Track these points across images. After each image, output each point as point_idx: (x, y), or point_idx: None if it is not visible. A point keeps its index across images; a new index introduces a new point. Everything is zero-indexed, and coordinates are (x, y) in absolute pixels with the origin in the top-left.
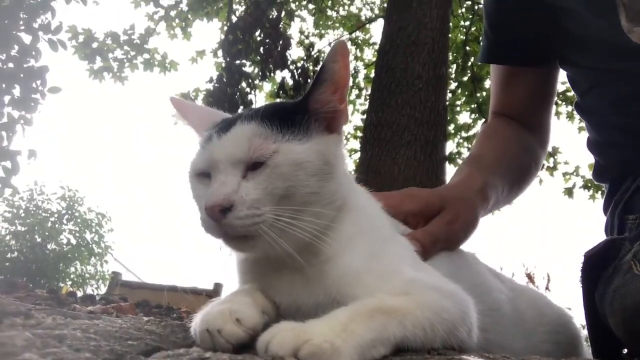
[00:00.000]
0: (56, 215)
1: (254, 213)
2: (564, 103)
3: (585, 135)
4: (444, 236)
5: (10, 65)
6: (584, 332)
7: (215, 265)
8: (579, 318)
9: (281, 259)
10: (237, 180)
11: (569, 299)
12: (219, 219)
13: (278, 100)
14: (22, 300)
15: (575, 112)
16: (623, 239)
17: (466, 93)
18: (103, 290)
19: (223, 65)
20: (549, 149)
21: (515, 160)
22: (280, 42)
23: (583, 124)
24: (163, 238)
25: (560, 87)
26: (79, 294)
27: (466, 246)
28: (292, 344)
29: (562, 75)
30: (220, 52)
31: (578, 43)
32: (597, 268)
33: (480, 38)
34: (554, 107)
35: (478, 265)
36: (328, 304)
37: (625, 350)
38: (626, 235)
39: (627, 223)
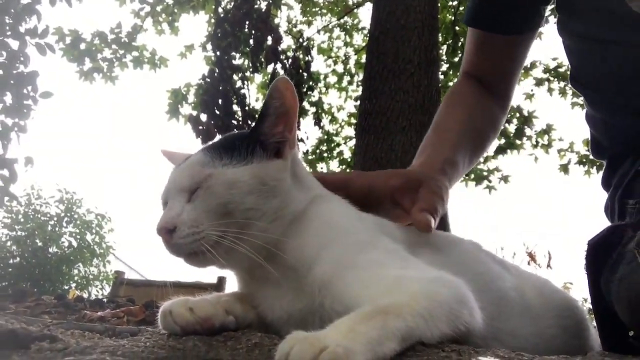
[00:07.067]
0: (55, 219)
1: (194, 231)
2: (556, 79)
3: (578, 110)
4: (439, 204)
5: (0, 72)
6: (587, 305)
7: None
8: (581, 293)
9: (253, 271)
10: (181, 205)
11: (570, 275)
12: (168, 240)
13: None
14: (33, 309)
15: (567, 88)
16: (625, 225)
17: (457, 74)
18: (107, 290)
19: (213, 59)
20: (543, 126)
21: (477, 131)
22: (271, 36)
23: (576, 100)
24: None
25: (552, 64)
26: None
27: (471, 234)
28: (311, 352)
29: (552, 51)
30: (209, 46)
31: (572, 8)
32: (601, 255)
33: None
34: (547, 83)
35: (481, 254)
36: (315, 311)
37: (632, 333)
38: (628, 221)
39: (627, 208)
